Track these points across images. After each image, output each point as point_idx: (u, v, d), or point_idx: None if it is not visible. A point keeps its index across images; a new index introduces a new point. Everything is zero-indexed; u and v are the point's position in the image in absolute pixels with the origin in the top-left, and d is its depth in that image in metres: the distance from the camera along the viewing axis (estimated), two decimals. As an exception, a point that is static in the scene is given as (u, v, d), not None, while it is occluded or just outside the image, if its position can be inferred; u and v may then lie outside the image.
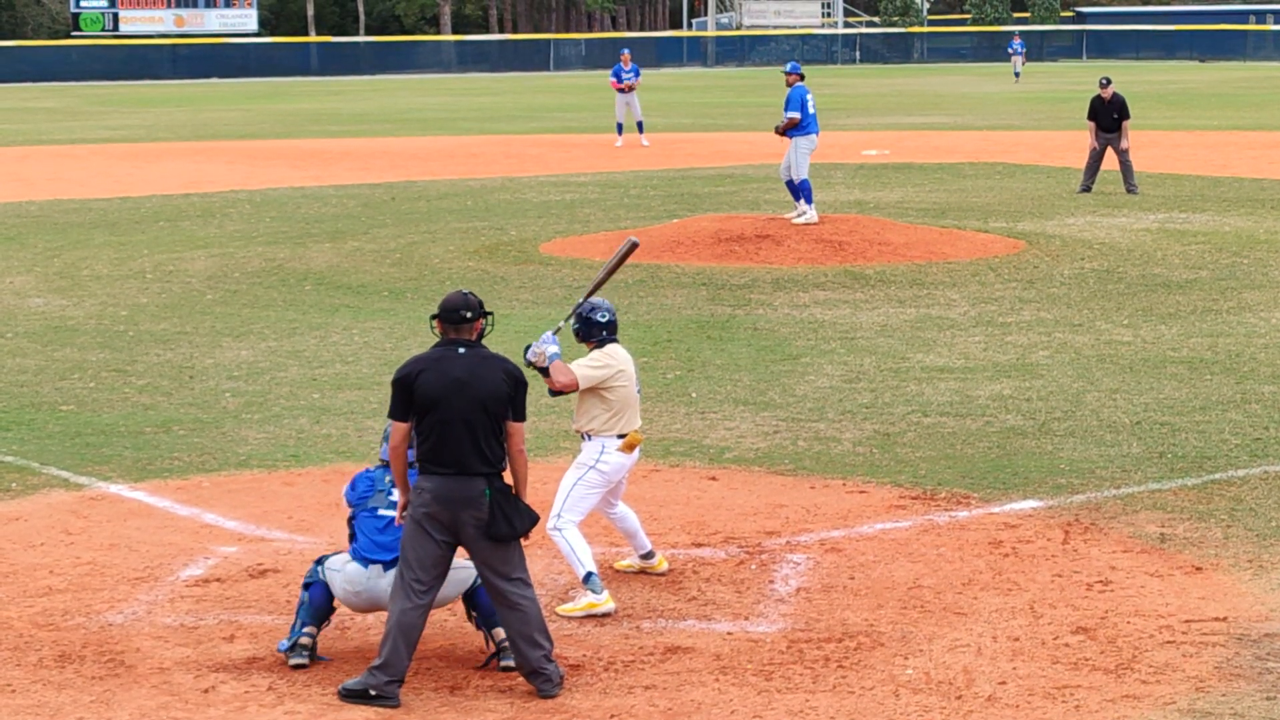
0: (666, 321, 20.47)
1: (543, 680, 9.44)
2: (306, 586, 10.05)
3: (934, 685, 9.54)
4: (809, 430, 15.34)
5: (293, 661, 9.84)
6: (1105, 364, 18.01)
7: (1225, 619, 10.50)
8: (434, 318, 9.57)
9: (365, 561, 9.85)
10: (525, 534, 9.45)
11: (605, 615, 10.64)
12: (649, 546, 11.40)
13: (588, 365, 10.76)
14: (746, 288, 22.81)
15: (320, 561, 10.11)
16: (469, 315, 9.46)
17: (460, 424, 9.30)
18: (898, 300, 21.86)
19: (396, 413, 9.43)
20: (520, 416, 9.47)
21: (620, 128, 47.30)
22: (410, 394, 9.34)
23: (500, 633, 9.78)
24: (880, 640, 10.21)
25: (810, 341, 19.31)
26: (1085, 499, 13.10)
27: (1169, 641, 10.14)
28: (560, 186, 36.86)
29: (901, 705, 9.30)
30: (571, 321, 10.92)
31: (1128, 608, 10.71)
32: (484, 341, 9.58)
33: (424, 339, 19.67)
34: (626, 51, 48.08)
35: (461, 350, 9.43)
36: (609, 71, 49.79)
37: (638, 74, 47.17)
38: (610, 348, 10.89)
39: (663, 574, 11.36)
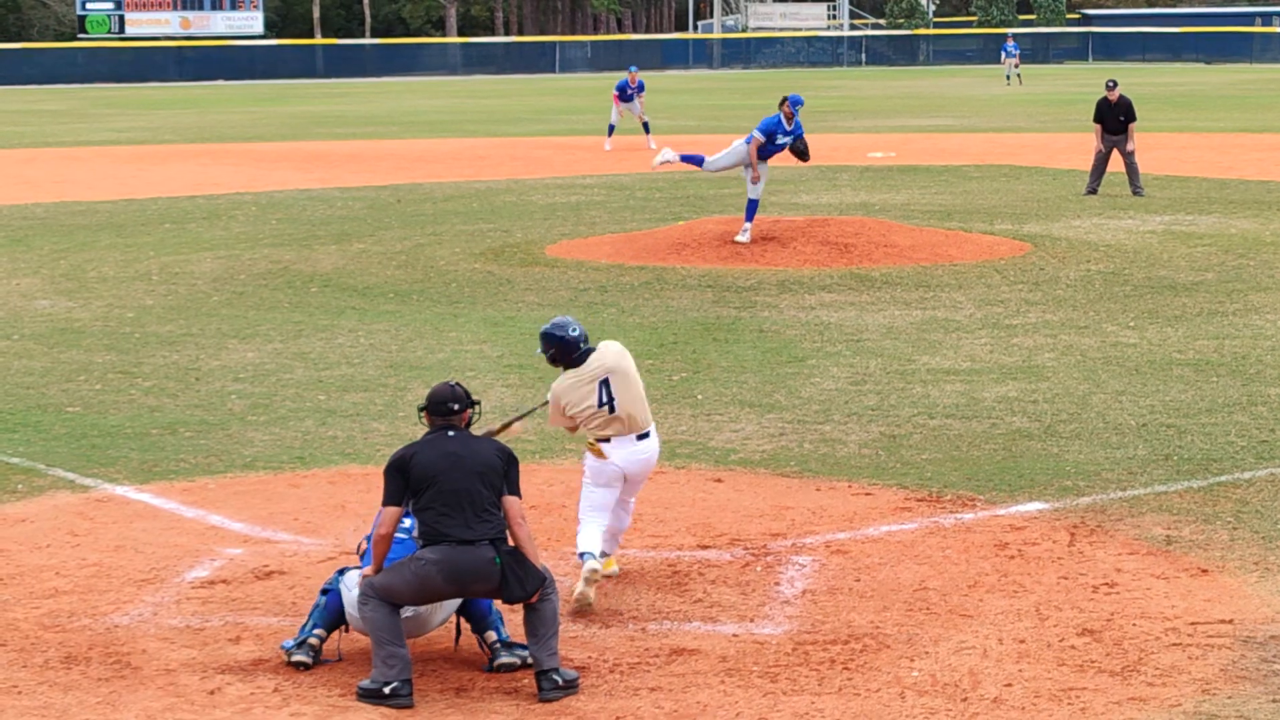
0: (672, 324, 20.47)
1: (550, 683, 9.47)
2: (324, 592, 10.07)
3: (940, 687, 9.54)
4: (815, 432, 15.34)
5: (295, 658, 9.83)
6: (1111, 366, 18.01)
7: (1231, 621, 10.49)
8: (421, 409, 9.85)
9: None
10: (534, 593, 9.57)
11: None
12: (611, 551, 11.37)
13: (554, 409, 10.94)
14: (752, 290, 22.81)
15: (342, 571, 10.14)
16: (456, 407, 9.76)
17: (461, 493, 9.49)
18: (903, 302, 21.86)
19: (390, 497, 9.60)
20: (515, 491, 9.66)
21: (611, 129, 47.24)
22: (406, 475, 9.54)
23: (492, 635, 9.89)
24: (886, 642, 10.21)
25: (816, 343, 19.31)
26: (1091, 501, 13.10)
27: (1175, 644, 10.13)
28: (566, 189, 36.87)
29: (907, 707, 9.29)
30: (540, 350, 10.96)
31: (1133, 610, 10.71)
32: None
33: (428, 340, 19.75)
34: (634, 70, 48.11)
35: (451, 434, 9.71)
36: (616, 73, 49.79)
37: (642, 89, 47.21)
38: (574, 369, 10.84)
39: (610, 576, 11.31)
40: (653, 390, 16.47)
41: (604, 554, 11.33)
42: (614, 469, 10.94)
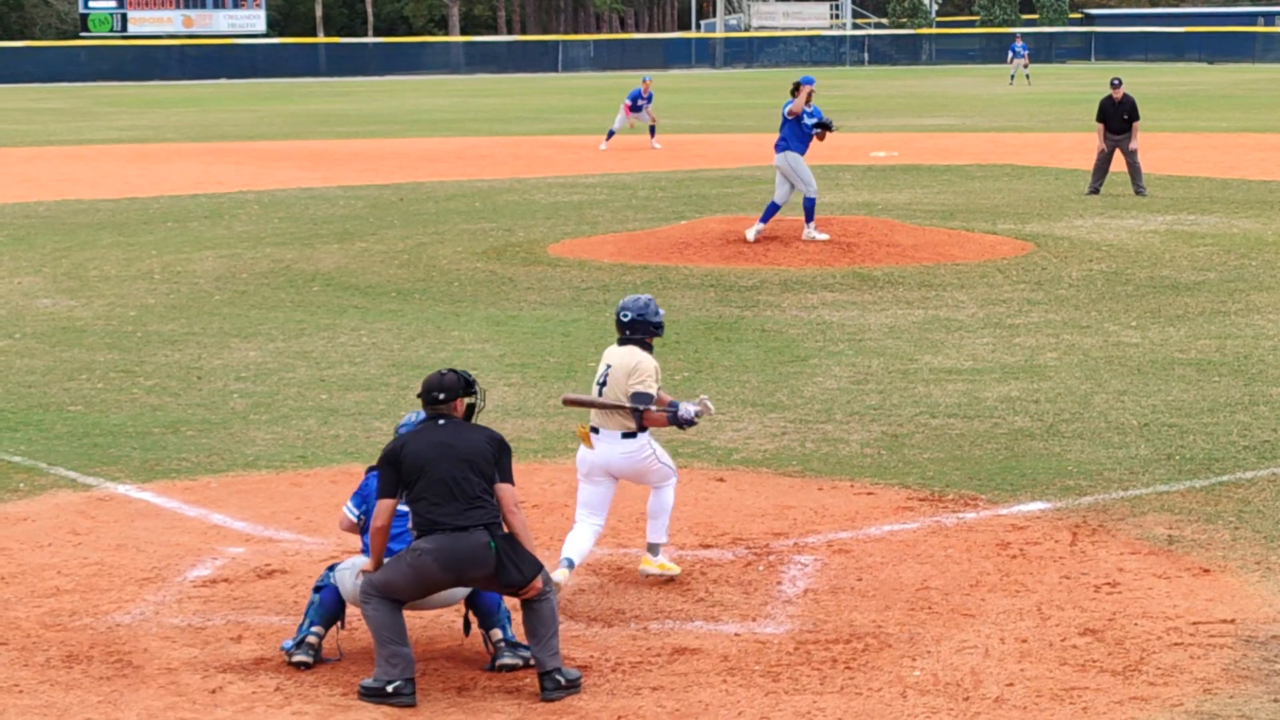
0: (675, 323, 20.45)
1: (553, 683, 9.46)
2: (317, 590, 10.08)
3: (941, 687, 9.54)
4: (817, 432, 15.34)
5: (296, 658, 9.83)
6: (1113, 366, 18.00)
7: (1233, 621, 10.49)
8: (419, 396, 9.89)
9: None
10: (531, 580, 9.52)
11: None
12: (657, 541, 11.33)
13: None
14: (754, 289, 22.81)
15: (332, 568, 10.15)
16: (442, 396, 9.77)
17: (451, 481, 9.47)
18: (906, 302, 21.86)
19: (384, 490, 9.60)
20: (507, 479, 9.64)
21: (611, 134, 47.14)
22: (399, 466, 9.55)
23: (497, 633, 9.88)
24: (888, 642, 10.21)
25: (818, 343, 19.31)
26: (1093, 501, 13.10)
27: (1177, 643, 10.13)
28: (568, 188, 36.87)
29: (909, 707, 9.29)
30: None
31: (1135, 609, 10.71)
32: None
33: (430, 339, 19.74)
34: (649, 79, 48.12)
35: (442, 422, 9.74)
36: (617, 72, 49.71)
37: (650, 99, 47.27)
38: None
39: (672, 577, 11.30)
40: (655, 389, 16.49)
41: (652, 546, 11.34)
42: (592, 460, 11.06)
